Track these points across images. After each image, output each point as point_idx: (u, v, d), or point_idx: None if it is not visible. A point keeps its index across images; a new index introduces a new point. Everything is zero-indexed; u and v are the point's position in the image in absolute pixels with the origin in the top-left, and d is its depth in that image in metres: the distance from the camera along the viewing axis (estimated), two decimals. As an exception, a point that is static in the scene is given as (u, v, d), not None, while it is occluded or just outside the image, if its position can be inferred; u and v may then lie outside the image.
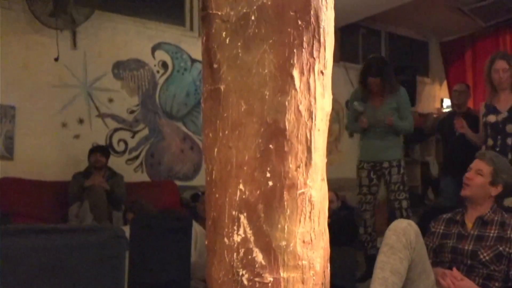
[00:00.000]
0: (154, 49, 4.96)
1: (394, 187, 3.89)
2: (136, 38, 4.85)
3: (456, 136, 4.80)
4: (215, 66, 0.96)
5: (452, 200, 4.61)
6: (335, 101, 5.84)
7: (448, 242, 2.39)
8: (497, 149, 3.51)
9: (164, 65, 5.03)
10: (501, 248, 2.27)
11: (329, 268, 1.18)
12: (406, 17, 6.20)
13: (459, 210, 2.52)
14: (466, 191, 2.42)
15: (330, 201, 4.30)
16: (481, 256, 2.27)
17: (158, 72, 4.99)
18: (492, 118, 3.58)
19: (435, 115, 6.41)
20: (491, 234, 2.33)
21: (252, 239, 0.96)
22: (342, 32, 5.97)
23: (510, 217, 2.38)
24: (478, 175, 2.41)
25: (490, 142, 3.60)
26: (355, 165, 4.11)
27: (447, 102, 6.71)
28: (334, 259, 1.54)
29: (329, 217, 3.66)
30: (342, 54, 5.98)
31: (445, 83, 7.08)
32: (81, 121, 4.53)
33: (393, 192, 3.89)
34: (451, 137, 4.87)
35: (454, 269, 2.27)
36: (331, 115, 1.17)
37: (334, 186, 4.63)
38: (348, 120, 4.32)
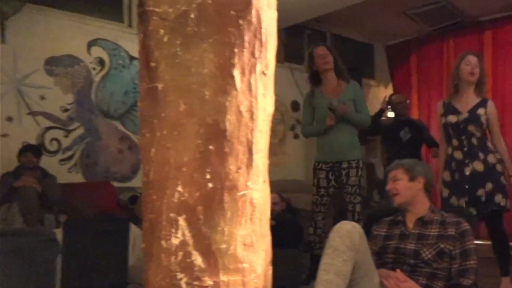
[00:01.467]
0: (90, 45, 4.87)
1: (350, 190, 3.93)
2: (71, 34, 4.75)
3: (403, 142, 5.03)
4: (153, 64, 0.97)
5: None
6: (280, 103, 5.95)
7: (391, 243, 2.49)
8: (465, 149, 3.66)
9: (101, 62, 4.95)
10: (442, 246, 2.38)
11: (271, 270, 1.20)
12: (351, 20, 6.38)
13: (400, 212, 2.63)
14: (397, 200, 2.55)
15: (274, 203, 4.36)
16: (424, 255, 2.37)
17: (94, 69, 4.91)
18: (452, 119, 3.71)
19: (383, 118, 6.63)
20: (432, 233, 2.45)
21: (191, 242, 0.98)
22: (287, 33, 6.08)
23: (449, 216, 2.51)
24: (397, 181, 2.55)
25: (455, 142, 3.73)
26: (300, 167, 4.16)
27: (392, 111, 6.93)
28: (278, 261, 1.58)
29: (273, 219, 3.72)
30: (287, 55, 6.09)
31: (390, 85, 7.33)
32: (9, 119, 4.39)
33: (349, 195, 3.93)
34: (396, 143, 5.09)
35: (398, 270, 2.36)
36: (275, 116, 1.20)
37: (279, 188, 4.69)
38: (304, 124, 4.33)
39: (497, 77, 6.33)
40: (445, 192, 3.73)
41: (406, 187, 2.56)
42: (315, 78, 4.08)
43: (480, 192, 3.57)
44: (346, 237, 2.12)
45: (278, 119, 5.99)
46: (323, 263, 2.08)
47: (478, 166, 3.61)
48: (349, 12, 5.95)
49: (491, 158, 3.62)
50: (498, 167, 3.63)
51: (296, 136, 6.15)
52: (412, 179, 2.57)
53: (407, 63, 7.20)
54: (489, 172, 3.59)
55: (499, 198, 3.56)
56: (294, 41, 6.35)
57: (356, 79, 5.83)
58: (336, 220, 3.05)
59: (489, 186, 3.57)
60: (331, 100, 3.90)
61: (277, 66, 1.17)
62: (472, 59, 3.70)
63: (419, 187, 2.57)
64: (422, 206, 2.55)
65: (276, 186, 4.86)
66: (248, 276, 1.08)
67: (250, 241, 1.09)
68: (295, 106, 6.07)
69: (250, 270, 1.09)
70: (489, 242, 3.85)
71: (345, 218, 3.83)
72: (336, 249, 2.09)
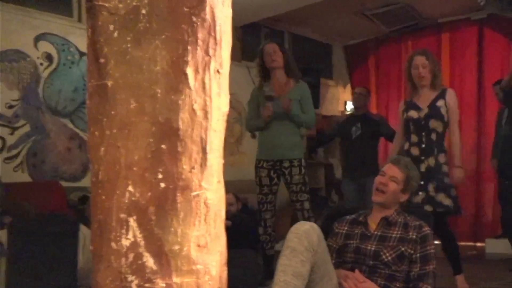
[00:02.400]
0: (37, 40, 4.76)
1: (295, 188, 3.96)
2: (17, 28, 4.63)
3: (353, 139, 5.11)
4: (102, 60, 0.96)
5: (353, 202, 4.88)
6: (237, 101, 5.96)
7: (351, 243, 2.53)
8: (423, 145, 3.74)
9: (49, 57, 4.85)
10: (403, 249, 2.44)
11: (226, 272, 1.21)
12: (310, 19, 6.46)
13: (362, 211, 2.67)
14: (379, 198, 2.57)
15: (230, 204, 4.39)
16: (384, 257, 2.43)
17: (41, 64, 4.80)
18: (414, 114, 3.79)
19: (339, 117, 6.75)
20: (394, 235, 2.50)
21: (142, 243, 0.98)
22: (244, 31, 6.09)
23: (413, 219, 2.57)
24: (393, 182, 2.57)
25: (414, 138, 3.81)
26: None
27: (350, 105, 7.07)
28: (234, 262, 1.59)
29: (229, 219, 3.72)
30: (244, 53, 6.11)
31: (349, 86, 7.45)
32: None
33: (295, 193, 3.98)
34: (347, 139, 5.18)
35: (357, 271, 2.41)
36: (232, 115, 1.21)
37: (236, 188, 4.70)
38: (248, 118, 4.35)
39: (454, 79, 6.54)
40: None
41: (394, 193, 2.58)
42: (265, 74, 4.12)
43: (430, 188, 3.67)
44: (304, 238, 2.14)
45: (235, 118, 6.00)
46: (281, 264, 2.10)
47: (431, 162, 3.71)
48: (307, 12, 6.02)
49: (441, 158, 3.73)
50: (445, 168, 3.73)
51: (253, 136, 6.17)
52: (404, 190, 2.61)
53: (366, 64, 7.34)
54: (435, 171, 3.69)
55: (441, 198, 3.66)
56: (252, 40, 6.38)
57: (314, 79, 5.92)
58: (294, 221, 3.08)
59: (431, 185, 3.67)
60: (268, 91, 3.93)
61: (234, 65, 1.18)
62: (419, 60, 3.79)
63: (402, 199, 2.62)
64: (390, 210, 2.60)
65: (233, 186, 4.88)
66: (202, 278, 1.09)
67: (204, 242, 1.09)
68: (252, 105, 6.08)
69: (204, 271, 1.09)
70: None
71: (297, 218, 3.88)
72: (293, 250, 2.11)
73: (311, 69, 6.50)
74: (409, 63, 3.85)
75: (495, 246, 5.73)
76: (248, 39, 6.31)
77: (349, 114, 5.79)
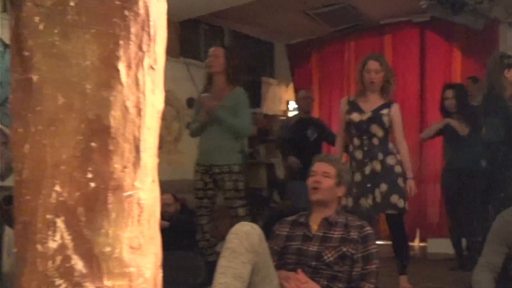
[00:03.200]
0: (-45, 31, 4.58)
1: (228, 194, 3.97)
2: None
3: (311, 141, 5.19)
4: (26, 53, 0.93)
5: (302, 202, 4.94)
6: (175, 99, 5.91)
7: (293, 244, 2.56)
8: (365, 149, 3.81)
9: (-30, 49, 4.67)
10: (344, 249, 2.49)
11: (161, 274, 1.20)
12: (251, 17, 6.48)
13: (303, 212, 2.71)
14: (316, 195, 2.61)
15: (168, 204, 4.35)
16: (325, 257, 2.47)
17: (-38, 56, 4.61)
18: (356, 117, 3.85)
19: (281, 118, 6.79)
20: (335, 235, 2.55)
21: (70, 245, 0.95)
22: (183, 27, 6.05)
23: (354, 219, 2.63)
24: (326, 178, 2.61)
25: (356, 141, 3.87)
26: (196, 166, 4.14)
27: (293, 104, 7.13)
28: (171, 265, 1.57)
29: (167, 220, 3.71)
30: (183, 49, 6.07)
31: (291, 85, 7.51)
32: None
33: (228, 200, 3.98)
34: (303, 142, 5.24)
35: (299, 271, 2.44)
36: (170, 113, 1.20)
37: (174, 188, 4.66)
38: (192, 122, 4.35)
39: (396, 80, 6.71)
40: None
41: (330, 189, 2.63)
42: (210, 77, 4.13)
43: (376, 192, 3.75)
44: (244, 239, 2.15)
45: (172, 116, 5.92)
46: (220, 265, 2.10)
47: (377, 166, 3.79)
48: (248, 9, 6.04)
49: (390, 160, 3.81)
50: (397, 169, 3.82)
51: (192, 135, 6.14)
52: (338, 184, 2.65)
53: (308, 63, 7.42)
54: (385, 173, 3.78)
55: (395, 199, 3.75)
56: (191, 36, 6.35)
57: (255, 78, 5.96)
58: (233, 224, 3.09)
59: (383, 187, 3.75)
60: (206, 96, 3.94)
61: (171, 61, 1.17)
62: (372, 65, 3.86)
63: (339, 194, 2.67)
64: (331, 208, 2.64)
65: (171, 186, 4.83)
66: (135, 281, 1.07)
67: (137, 244, 1.08)
68: (191, 103, 5.99)
69: (137, 274, 1.07)
70: (389, 242, 4.07)
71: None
72: (234, 251, 2.12)
73: (252, 67, 6.52)
74: (362, 66, 3.92)
75: (437, 246, 5.93)
76: (187, 35, 6.27)
77: (296, 117, 5.84)
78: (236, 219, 3.92)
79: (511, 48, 6.24)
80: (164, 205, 4.29)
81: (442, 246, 5.60)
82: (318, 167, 2.68)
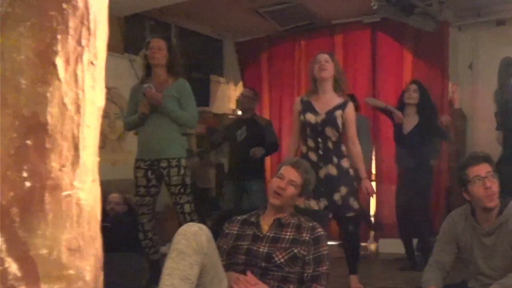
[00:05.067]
0: None
1: (174, 190, 3.93)
2: None
3: (238, 141, 5.21)
4: (-44, 47, 0.91)
5: (231, 204, 4.97)
6: (119, 96, 5.81)
7: (242, 244, 2.57)
8: (320, 152, 3.84)
9: None
10: (296, 250, 2.51)
11: (102, 277, 1.18)
12: (199, 13, 6.44)
13: (255, 212, 2.72)
14: (277, 201, 2.63)
15: (117, 203, 4.29)
16: (276, 259, 2.49)
17: None
18: (311, 118, 3.89)
19: (231, 117, 6.79)
20: (287, 236, 2.57)
21: (4, 247, 0.93)
22: (128, 22, 5.97)
23: (306, 220, 2.65)
24: (291, 186, 2.63)
25: (311, 143, 3.91)
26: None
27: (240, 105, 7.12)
28: (114, 266, 1.55)
29: (114, 219, 3.66)
30: (127, 45, 5.98)
31: (241, 84, 7.50)
32: None
33: (174, 195, 3.95)
34: (233, 142, 5.27)
35: (249, 273, 2.45)
36: (114, 111, 1.19)
37: (118, 188, 4.60)
38: (125, 115, 4.27)
39: (348, 81, 6.81)
40: None
41: (292, 197, 2.65)
42: (148, 69, 4.09)
43: (337, 196, 3.81)
44: (192, 240, 2.15)
45: (116, 114, 5.80)
46: (167, 267, 2.09)
47: (332, 170, 3.84)
48: (196, 5, 6.01)
49: (344, 163, 3.89)
50: (351, 172, 3.91)
51: (137, 133, 6.04)
52: (301, 194, 2.67)
53: (258, 62, 7.43)
54: (342, 177, 3.85)
55: (352, 202, 3.84)
56: (136, 32, 6.25)
57: (203, 75, 5.96)
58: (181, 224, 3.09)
59: (343, 190, 3.83)
60: (147, 86, 3.88)
61: (115, 57, 1.16)
62: (322, 56, 3.94)
63: (296, 203, 2.69)
64: (285, 213, 2.66)
65: (116, 186, 4.74)
66: (74, 284, 1.05)
67: (76, 246, 1.06)
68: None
69: (76, 277, 1.06)
70: (339, 242, 4.14)
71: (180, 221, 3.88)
72: (181, 252, 2.11)
73: (200, 65, 6.49)
74: (312, 63, 3.98)
75: (388, 246, 6.05)
76: (132, 30, 6.18)
77: (237, 117, 5.89)
78: (182, 215, 3.91)
79: (460, 51, 6.47)
80: (112, 204, 4.24)
81: (393, 246, 5.72)
82: (287, 172, 2.68)
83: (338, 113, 3.90)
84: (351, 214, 3.87)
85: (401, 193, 5.19)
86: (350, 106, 3.97)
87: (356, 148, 3.96)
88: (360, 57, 6.83)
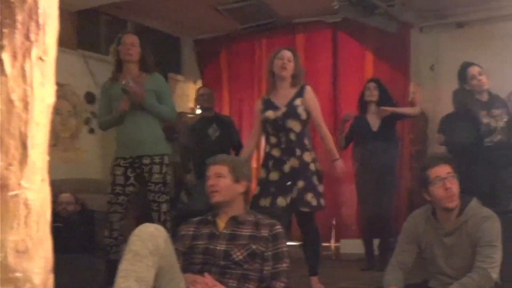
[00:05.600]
0: None
1: (154, 188, 3.91)
2: None
3: (213, 140, 5.18)
4: None
5: (205, 203, 4.94)
6: (72, 93, 5.73)
7: (199, 243, 2.56)
8: (283, 146, 3.85)
9: None
10: (254, 247, 2.52)
11: (52, 279, 1.16)
12: (156, 9, 6.36)
13: (211, 212, 2.72)
14: (216, 198, 2.63)
15: (68, 203, 4.22)
16: (234, 256, 2.49)
17: None
18: (271, 115, 3.89)
19: (189, 115, 6.73)
20: (244, 233, 2.57)
21: None
22: (81, 17, 5.86)
23: (264, 217, 2.66)
24: (220, 178, 2.64)
25: (273, 139, 3.92)
26: (96, 165, 4.06)
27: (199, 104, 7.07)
28: (66, 268, 1.52)
29: (66, 219, 3.59)
30: (81, 41, 5.88)
31: (200, 82, 7.45)
32: None
33: (153, 193, 3.92)
34: (205, 141, 5.23)
35: (206, 274, 2.44)
36: (66, 108, 1.17)
37: (71, 187, 4.52)
38: (99, 114, 4.22)
39: (309, 80, 6.85)
40: (256, 190, 3.92)
41: (228, 187, 2.64)
42: (119, 66, 4.04)
43: (294, 189, 3.82)
44: (148, 241, 2.12)
45: (69, 112, 5.71)
46: (122, 269, 2.06)
47: (295, 163, 3.85)
48: (153, 1, 5.94)
49: (306, 156, 3.90)
50: (312, 166, 3.91)
51: (91, 131, 5.93)
52: (236, 180, 2.66)
53: (218, 60, 7.39)
54: (302, 170, 3.86)
55: (309, 197, 3.84)
56: (89, 27, 6.14)
57: (161, 73, 5.93)
58: (139, 221, 3.06)
59: (300, 184, 3.83)
60: (126, 82, 3.84)
61: (67, 53, 1.14)
62: (285, 53, 3.96)
63: (240, 190, 2.68)
64: (238, 208, 2.66)
65: (68, 185, 4.67)
66: (22, 287, 1.03)
67: (24, 248, 1.04)
68: (89, 97, 5.89)
69: (24, 280, 1.04)
70: (297, 243, 4.16)
71: (150, 220, 3.84)
72: (137, 254, 2.09)
73: (158, 62, 6.42)
74: (273, 57, 3.98)
75: (349, 247, 6.11)
76: (86, 26, 6.06)
77: (199, 116, 5.84)
78: (158, 213, 3.89)
79: (422, 52, 6.60)
80: (64, 204, 4.15)
81: (355, 246, 5.77)
82: (210, 170, 2.71)
83: (298, 101, 3.92)
84: (305, 209, 3.86)
85: (365, 193, 5.25)
86: (309, 90, 3.99)
87: (323, 129, 3.99)
88: (322, 57, 6.88)
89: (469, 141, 4.57)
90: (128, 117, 3.92)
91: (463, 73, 4.56)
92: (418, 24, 6.67)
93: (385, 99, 5.21)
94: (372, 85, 5.26)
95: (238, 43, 7.28)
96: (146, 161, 3.91)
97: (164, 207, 3.96)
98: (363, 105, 5.30)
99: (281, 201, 3.81)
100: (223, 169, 2.67)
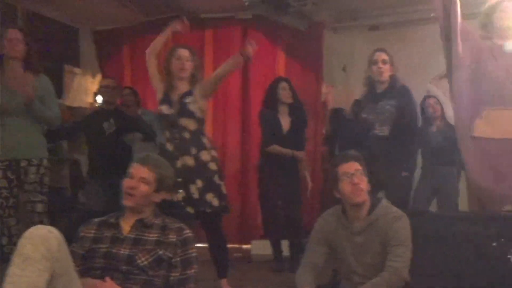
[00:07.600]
0: None
1: (28, 187, 3.86)
2: None
3: (106, 135, 5.04)
4: None
5: (101, 204, 4.81)
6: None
7: (101, 247, 2.49)
8: (177, 141, 3.84)
9: None
10: (161, 252, 2.48)
11: None
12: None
13: (114, 213, 2.65)
14: (130, 202, 2.56)
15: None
16: (139, 261, 2.44)
17: None
18: (165, 109, 3.87)
19: (88, 110, 6.53)
20: (151, 238, 2.53)
21: None
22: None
23: (172, 221, 2.63)
24: (143, 184, 2.57)
25: (168, 134, 3.90)
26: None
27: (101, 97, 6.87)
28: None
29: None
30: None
31: (99, 76, 7.20)
32: None
33: (27, 193, 3.89)
34: (99, 136, 5.07)
35: (107, 278, 2.38)
36: None
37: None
38: None
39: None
40: None
41: (147, 196, 2.59)
42: (1, 63, 3.94)
43: (193, 188, 3.81)
44: (40, 244, 2.05)
45: None
46: (11, 274, 1.98)
47: (189, 161, 3.84)
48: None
49: (204, 155, 3.90)
50: (212, 166, 3.91)
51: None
52: (157, 190, 2.60)
53: (120, 53, 7.18)
54: (200, 169, 3.85)
55: (210, 197, 3.83)
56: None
57: (56, 65, 5.72)
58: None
59: (199, 183, 3.82)
60: (19, 82, 3.80)
61: None
62: (183, 53, 3.96)
63: (157, 200, 2.63)
64: (146, 212, 2.61)
65: None
66: None
67: None
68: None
69: None
70: (206, 245, 4.14)
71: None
72: (28, 258, 2.01)
73: (52, 53, 6.19)
74: (170, 55, 3.97)
75: (260, 248, 6.17)
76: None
77: (98, 108, 5.67)
78: (32, 214, 3.82)
79: (335, 53, 6.78)
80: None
81: (266, 247, 5.83)
82: (136, 170, 2.63)
83: (189, 99, 3.94)
84: (208, 210, 3.86)
85: (270, 194, 5.33)
86: (198, 87, 3.97)
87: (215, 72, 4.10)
88: (231, 53, 6.75)
89: (347, 136, 4.96)
90: (8, 119, 3.86)
91: (370, 57, 4.64)
92: (332, 24, 6.84)
93: (296, 102, 5.36)
94: (285, 85, 5.35)
95: (143, 36, 6.94)
96: (23, 164, 3.91)
97: (38, 207, 3.92)
98: (274, 103, 5.37)
99: (176, 197, 3.80)
100: (150, 175, 2.60)
